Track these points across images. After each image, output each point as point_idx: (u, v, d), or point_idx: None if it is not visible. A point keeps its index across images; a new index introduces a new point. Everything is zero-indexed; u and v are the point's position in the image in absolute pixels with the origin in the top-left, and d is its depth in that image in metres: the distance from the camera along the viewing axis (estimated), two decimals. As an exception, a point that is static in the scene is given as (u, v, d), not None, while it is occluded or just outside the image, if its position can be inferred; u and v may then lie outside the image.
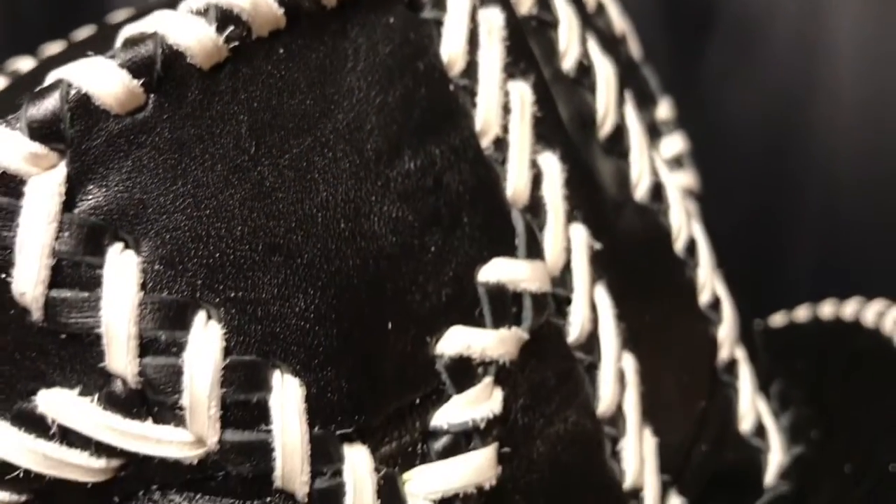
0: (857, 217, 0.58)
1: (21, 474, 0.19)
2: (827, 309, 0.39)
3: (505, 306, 0.22)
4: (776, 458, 0.29)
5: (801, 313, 0.40)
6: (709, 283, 0.28)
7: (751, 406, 0.29)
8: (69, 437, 0.19)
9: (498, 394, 0.22)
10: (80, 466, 0.19)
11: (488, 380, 0.22)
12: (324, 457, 0.20)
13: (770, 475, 0.29)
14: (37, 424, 0.19)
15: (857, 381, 0.34)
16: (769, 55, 0.60)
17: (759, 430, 0.29)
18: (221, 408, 0.19)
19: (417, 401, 0.21)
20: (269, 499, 0.20)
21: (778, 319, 0.41)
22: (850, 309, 0.38)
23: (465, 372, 0.22)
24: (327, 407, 0.20)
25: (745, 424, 0.29)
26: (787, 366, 0.34)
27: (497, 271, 0.22)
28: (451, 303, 0.22)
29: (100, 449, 0.19)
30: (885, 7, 0.59)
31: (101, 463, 0.19)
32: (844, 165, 0.59)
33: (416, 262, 0.21)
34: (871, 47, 0.59)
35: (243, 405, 0.19)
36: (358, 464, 0.20)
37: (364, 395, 0.21)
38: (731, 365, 0.29)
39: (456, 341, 0.22)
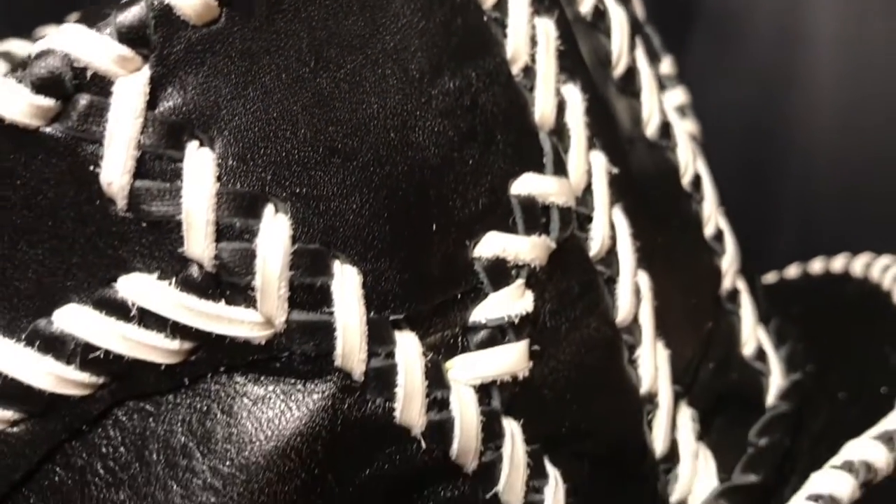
0: (835, 212, 0.61)
1: (102, 355, 0.21)
2: (816, 265, 0.41)
3: (535, 216, 0.24)
4: (776, 381, 0.31)
5: (792, 271, 0.43)
6: (713, 216, 0.31)
7: (752, 332, 0.31)
8: (148, 319, 0.21)
9: (529, 295, 0.24)
10: (157, 348, 0.21)
11: (521, 281, 0.24)
12: (378, 339, 0.22)
13: (771, 396, 0.31)
14: (118, 308, 0.21)
15: (848, 323, 0.36)
16: (749, 49, 0.63)
17: (761, 354, 0.31)
18: (289, 290, 0.21)
19: (458, 296, 0.23)
20: (328, 377, 0.22)
21: (770, 277, 0.43)
22: (838, 263, 0.40)
23: (500, 272, 0.24)
24: (381, 295, 0.22)
25: (748, 349, 0.31)
26: (782, 310, 0.36)
27: (528, 185, 0.25)
28: (488, 211, 0.24)
29: (175, 330, 0.21)
30: (865, 4, 0.62)
31: (175, 345, 0.21)
32: (823, 161, 0.62)
33: (455, 173, 0.23)
34: (851, 43, 0.62)
35: (308, 289, 0.21)
36: (408, 347, 0.22)
37: (413, 287, 0.23)
38: (734, 294, 0.31)
39: (492, 245, 0.24)
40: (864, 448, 0.26)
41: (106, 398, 0.22)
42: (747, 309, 0.31)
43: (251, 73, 0.21)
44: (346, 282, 0.22)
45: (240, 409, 0.22)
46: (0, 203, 0.21)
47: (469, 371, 0.23)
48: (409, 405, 0.22)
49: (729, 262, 0.31)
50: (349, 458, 0.22)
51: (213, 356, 0.22)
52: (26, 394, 0.21)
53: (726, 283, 0.31)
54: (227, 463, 0.22)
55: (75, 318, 0.21)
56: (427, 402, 0.22)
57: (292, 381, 0.22)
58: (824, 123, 0.62)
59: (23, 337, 0.21)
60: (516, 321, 0.24)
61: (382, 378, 0.22)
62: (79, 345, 0.21)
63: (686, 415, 0.28)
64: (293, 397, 0.22)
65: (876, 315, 0.35)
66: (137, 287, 0.21)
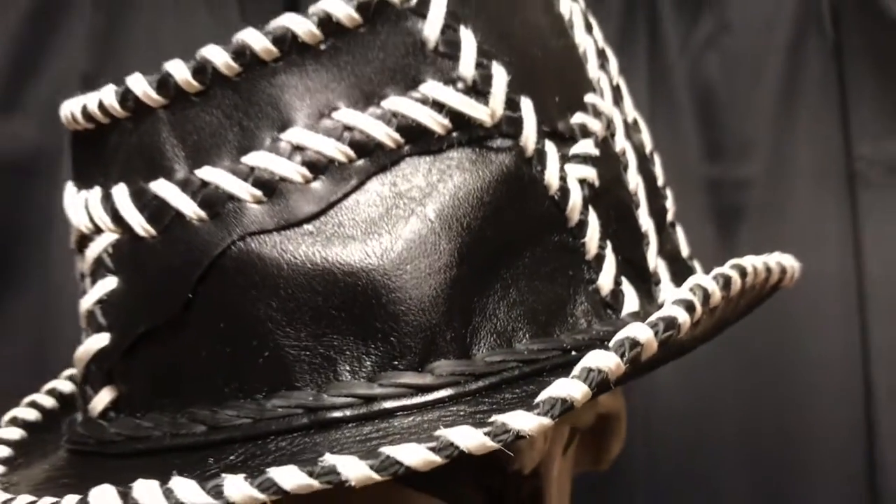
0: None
1: (411, 123, 0.41)
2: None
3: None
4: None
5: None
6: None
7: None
8: (436, 107, 0.42)
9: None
10: (436, 120, 0.42)
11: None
12: (539, 135, 0.43)
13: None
14: (424, 100, 0.42)
15: None
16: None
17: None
18: (505, 99, 0.42)
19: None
20: (514, 151, 0.43)
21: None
22: None
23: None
24: (540, 114, 0.44)
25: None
26: None
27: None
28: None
29: (447, 114, 0.42)
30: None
31: (445, 121, 0.42)
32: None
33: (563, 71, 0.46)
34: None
35: (512, 101, 0.43)
36: (552, 147, 0.44)
37: (552, 118, 0.44)
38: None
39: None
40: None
41: (401, 153, 0.42)
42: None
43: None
44: (528, 107, 0.43)
45: (464, 165, 0.42)
46: None
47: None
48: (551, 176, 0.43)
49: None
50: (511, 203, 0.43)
51: (461, 133, 0.42)
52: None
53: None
54: (448, 198, 0.42)
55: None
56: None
57: (494, 150, 0.43)
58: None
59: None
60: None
61: (542, 157, 0.43)
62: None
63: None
64: (492, 160, 0.42)
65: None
66: (433, 90, 0.42)
